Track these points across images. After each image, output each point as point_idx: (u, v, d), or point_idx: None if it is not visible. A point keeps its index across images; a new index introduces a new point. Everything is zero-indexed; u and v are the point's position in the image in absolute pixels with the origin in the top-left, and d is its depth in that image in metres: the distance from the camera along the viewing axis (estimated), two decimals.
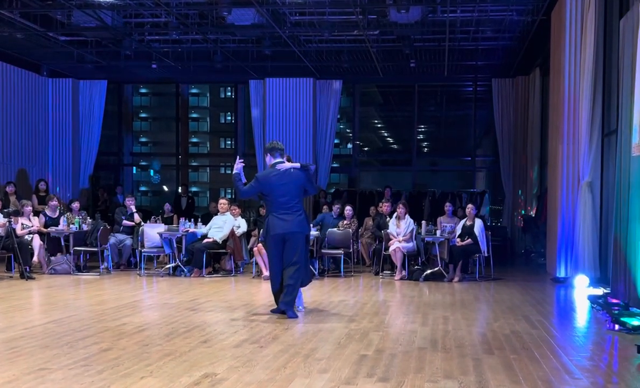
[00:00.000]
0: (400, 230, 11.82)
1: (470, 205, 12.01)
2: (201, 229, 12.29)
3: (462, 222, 11.87)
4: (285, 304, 7.56)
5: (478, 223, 11.67)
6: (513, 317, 7.72)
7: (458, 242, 11.62)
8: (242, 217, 12.97)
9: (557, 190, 11.70)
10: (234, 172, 7.91)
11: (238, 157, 8.36)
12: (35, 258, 11.70)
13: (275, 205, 7.70)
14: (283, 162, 7.92)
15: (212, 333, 6.63)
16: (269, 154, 7.98)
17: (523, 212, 17.19)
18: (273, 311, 7.79)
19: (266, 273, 11.44)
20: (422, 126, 21.56)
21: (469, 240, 11.53)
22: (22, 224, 11.73)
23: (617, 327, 7.03)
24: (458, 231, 11.75)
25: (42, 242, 11.92)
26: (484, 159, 20.10)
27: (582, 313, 8.41)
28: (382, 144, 24.58)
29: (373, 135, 23.86)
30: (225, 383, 4.71)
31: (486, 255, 11.76)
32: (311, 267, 11.64)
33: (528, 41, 14.36)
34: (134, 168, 25.65)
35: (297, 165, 7.99)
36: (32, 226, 11.91)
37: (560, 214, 11.46)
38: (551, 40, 12.65)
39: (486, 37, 14.63)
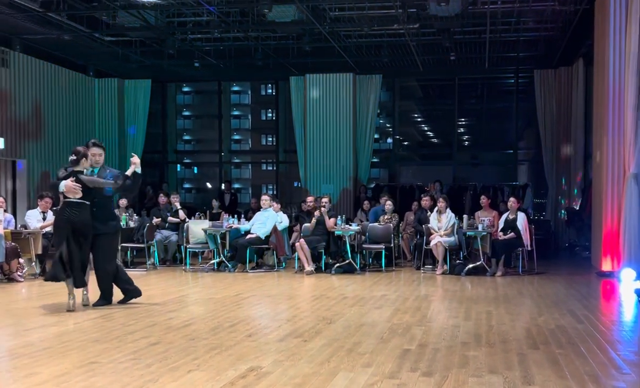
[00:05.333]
0: (441, 225, 11.78)
1: (512, 199, 11.87)
2: (244, 225, 12.44)
3: (505, 215, 11.76)
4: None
5: (521, 216, 11.54)
6: (558, 312, 7.64)
7: (500, 235, 11.51)
8: (284, 213, 13.10)
9: (602, 182, 11.50)
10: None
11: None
12: None
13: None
14: None
15: (257, 327, 6.74)
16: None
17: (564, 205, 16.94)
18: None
19: (308, 268, 11.54)
20: (463, 119, 21.37)
21: (512, 234, 11.42)
22: None
23: None
24: (501, 225, 11.64)
25: None
26: (526, 151, 19.82)
27: (629, 308, 8.28)
28: (422, 138, 24.45)
29: (413, 130, 23.75)
30: (270, 377, 4.79)
31: (529, 248, 11.63)
32: (352, 261, 11.76)
33: (571, 31, 14.11)
34: (178, 165, 26.05)
35: None
36: None
37: (605, 207, 11.27)
38: (595, 30, 12.43)
39: (528, 28, 14.44)
